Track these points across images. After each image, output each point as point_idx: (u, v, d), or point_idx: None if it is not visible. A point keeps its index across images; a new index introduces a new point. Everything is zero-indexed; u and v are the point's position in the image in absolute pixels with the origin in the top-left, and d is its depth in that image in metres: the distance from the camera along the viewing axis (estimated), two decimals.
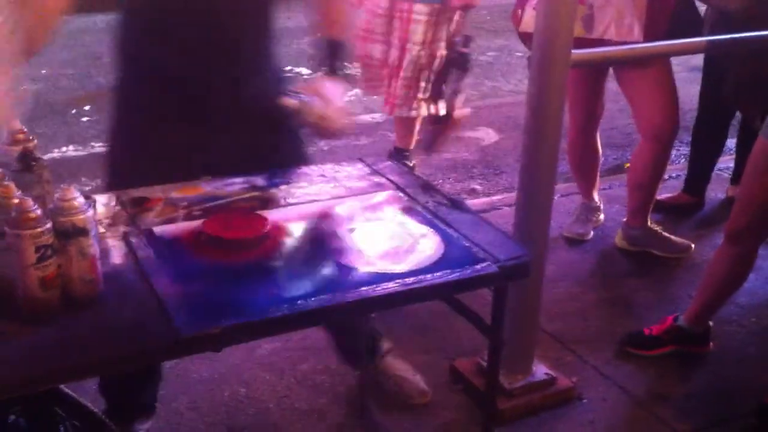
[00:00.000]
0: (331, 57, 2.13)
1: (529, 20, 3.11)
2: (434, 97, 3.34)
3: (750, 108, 3.60)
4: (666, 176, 4.19)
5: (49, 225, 1.41)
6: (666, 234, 3.57)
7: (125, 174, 2.08)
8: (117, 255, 1.64)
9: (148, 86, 2.02)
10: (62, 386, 1.64)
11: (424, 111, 3.63)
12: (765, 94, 3.46)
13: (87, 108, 5.31)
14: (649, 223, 3.56)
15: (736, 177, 3.91)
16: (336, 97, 2.04)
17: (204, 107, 2.02)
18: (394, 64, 3.61)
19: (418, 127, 3.83)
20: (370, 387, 2.52)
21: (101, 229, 1.72)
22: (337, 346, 2.54)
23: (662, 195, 3.92)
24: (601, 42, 3.04)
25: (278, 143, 2.15)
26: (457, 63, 3.09)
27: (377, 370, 2.57)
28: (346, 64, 2.15)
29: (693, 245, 3.54)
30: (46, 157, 1.73)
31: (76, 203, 1.44)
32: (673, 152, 4.72)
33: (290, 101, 2.00)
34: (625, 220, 3.60)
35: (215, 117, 2.02)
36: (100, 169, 4.28)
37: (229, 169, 2.06)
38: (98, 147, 4.65)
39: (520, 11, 3.24)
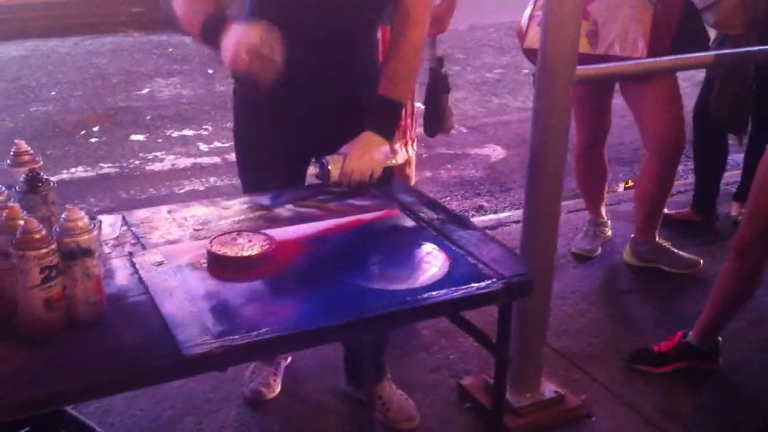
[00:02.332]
0: (383, 116, 2.13)
1: (533, 37, 3.12)
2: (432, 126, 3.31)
3: (731, 124, 3.62)
4: (674, 191, 4.19)
5: (54, 246, 1.41)
6: (674, 249, 3.56)
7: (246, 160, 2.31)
8: (122, 275, 1.65)
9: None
10: (67, 408, 1.64)
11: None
12: (745, 110, 3.49)
13: (96, 129, 5.34)
14: (657, 239, 3.55)
15: (740, 193, 3.89)
16: (370, 154, 2.06)
17: (313, 96, 2.14)
18: None
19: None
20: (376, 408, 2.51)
21: (107, 250, 1.73)
22: (346, 365, 2.56)
23: (671, 210, 3.92)
24: (606, 58, 3.04)
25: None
26: (441, 86, 3.09)
27: (374, 393, 2.55)
28: (395, 125, 2.18)
29: (701, 260, 3.53)
30: (54, 178, 1.74)
31: (81, 224, 1.45)
32: (681, 167, 4.73)
33: (316, 170, 2.09)
34: (632, 235, 3.59)
35: (322, 105, 2.13)
36: (108, 189, 4.30)
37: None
38: (107, 168, 4.68)
39: (524, 28, 3.25)
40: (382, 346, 2.55)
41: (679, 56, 2.86)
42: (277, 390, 2.62)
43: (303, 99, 2.13)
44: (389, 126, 2.15)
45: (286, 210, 2.01)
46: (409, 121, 3.21)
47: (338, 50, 2.13)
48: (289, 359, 2.73)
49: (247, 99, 2.20)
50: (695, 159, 4.01)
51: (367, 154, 2.07)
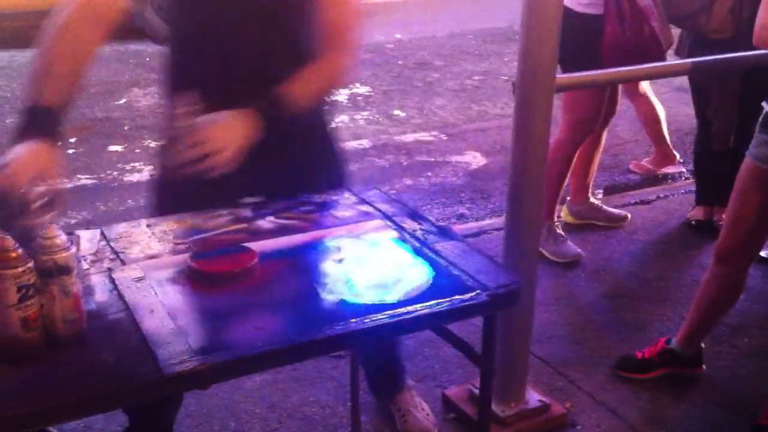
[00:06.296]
0: (269, 101, 1.93)
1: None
2: None
3: (722, 128, 3.68)
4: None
5: (30, 264, 1.38)
6: (605, 207, 4.02)
7: (169, 197, 2.13)
8: (101, 292, 1.62)
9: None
10: (49, 429, 1.61)
11: None
12: (733, 113, 3.56)
13: (73, 140, 5.27)
14: (590, 199, 3.97)
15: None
16: (232, 130, 1.85)
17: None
18: None
19: None
20: (360, 419, 2.49)
21: (85, 266, 1.70)
22: (367, 373, 2.53)
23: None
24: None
25: (317, 164, 2.17)
26: None
27: (393, 403, 2.56)
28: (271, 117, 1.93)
29: (629, 215, 4.00)
30: None
31: (58, 241, 1.42)
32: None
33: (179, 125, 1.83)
34: (569, 198, 3.98)
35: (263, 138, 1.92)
36: (86, 201, 4.21)
37: (269, 190, 2.08)
38: (84, 179, 4.63)
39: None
40: (396, 358, 2.57)
41: (659, 63, 2.90)
42: None
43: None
44: (265, 114, 1.91)
45: (267, 222, 1.99)
46: None
47: (263, 73, 1.99)
48: None
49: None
50: (695, 163, 4.11)
51: (235, 130, 1.85)
